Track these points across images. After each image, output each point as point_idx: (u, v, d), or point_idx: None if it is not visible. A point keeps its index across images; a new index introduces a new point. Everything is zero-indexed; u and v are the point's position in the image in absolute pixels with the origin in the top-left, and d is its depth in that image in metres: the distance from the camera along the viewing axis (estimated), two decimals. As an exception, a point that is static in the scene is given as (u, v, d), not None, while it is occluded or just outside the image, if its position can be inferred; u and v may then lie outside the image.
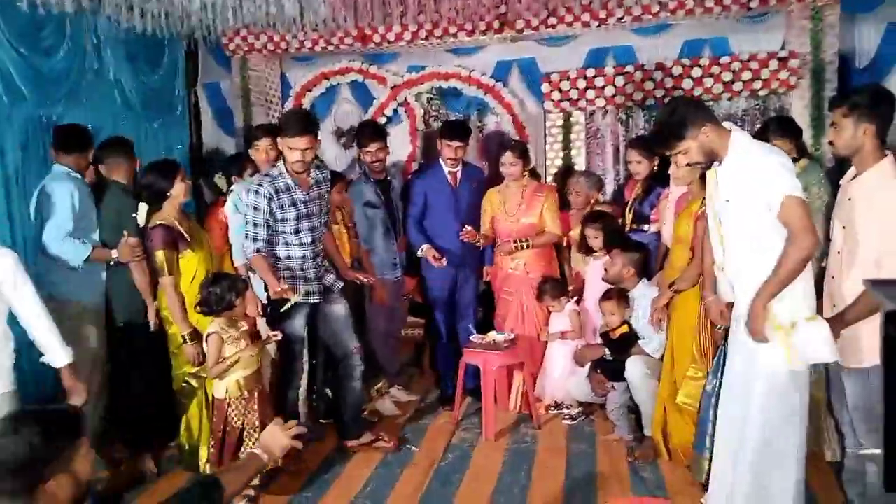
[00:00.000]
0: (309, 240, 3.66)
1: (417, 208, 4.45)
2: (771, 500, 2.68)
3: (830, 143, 2.77)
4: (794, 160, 3.02)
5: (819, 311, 2.69)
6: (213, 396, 3.44)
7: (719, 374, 3.15)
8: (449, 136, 4.38)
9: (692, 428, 3.30)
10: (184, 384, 3.63)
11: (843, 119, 2.64)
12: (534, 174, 4.75)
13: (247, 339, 3.37)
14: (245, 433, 3.31)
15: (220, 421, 3.31)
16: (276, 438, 2.08)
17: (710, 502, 2.95)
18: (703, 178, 3.26)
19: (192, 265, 3.57)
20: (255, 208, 3.54)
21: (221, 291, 3.29)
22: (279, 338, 3.53)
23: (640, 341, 3.76)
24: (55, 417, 1.67)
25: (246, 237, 3.60)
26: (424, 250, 4.33)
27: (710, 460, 3.15)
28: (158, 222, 3.50)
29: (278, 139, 3.62)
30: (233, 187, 4.12)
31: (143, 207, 3.59)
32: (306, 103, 5.94)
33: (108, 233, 3.62)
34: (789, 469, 2.65)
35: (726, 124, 2.71)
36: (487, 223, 4.45)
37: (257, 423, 3.30)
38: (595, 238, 4.11)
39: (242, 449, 3.29)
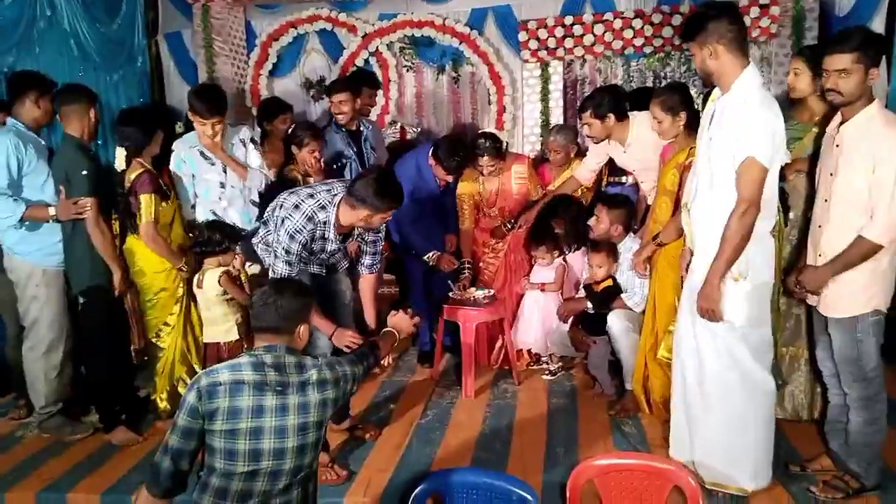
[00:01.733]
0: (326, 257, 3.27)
1: (409, 210, 3.94)
2: (730, 450, 2.74)
3: (829, 90, 2.59)
4: None
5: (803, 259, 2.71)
6: (204, 344, 3.56)
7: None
8: (446, 164, 4.00)
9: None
10: (157, 335, 3.59)
11: (855, 65, 2.50)
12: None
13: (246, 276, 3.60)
14: None
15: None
16: (404, 322, 2.78)
17: (672, 453, 2.99)
18: (689, 128, 3.21)
19: (168, 214, 3.52)
20: (287, 251, 3.02)
21: (221, 236, 3.46)
22: None
23: (622, 295, 3.71)
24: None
25: (276, 257, 3.06)
26: (434, 258, 4.18)
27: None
28: (143, 169, 3.41)
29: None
30: (173, 145, 3.86)
31: (120, 152, 3.44)
32: (272, 53, 5.72)
33: (59, 191, 3.39)
34: (744, 418, 2.71)
35: (753, 67, 2.56)
36: (468, 214, 4.31)
37: None
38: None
39: None
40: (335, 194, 3.03)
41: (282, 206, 3.07)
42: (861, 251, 2.52)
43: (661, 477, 2.64)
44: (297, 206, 3.00)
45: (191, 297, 3.62)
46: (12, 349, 3.74)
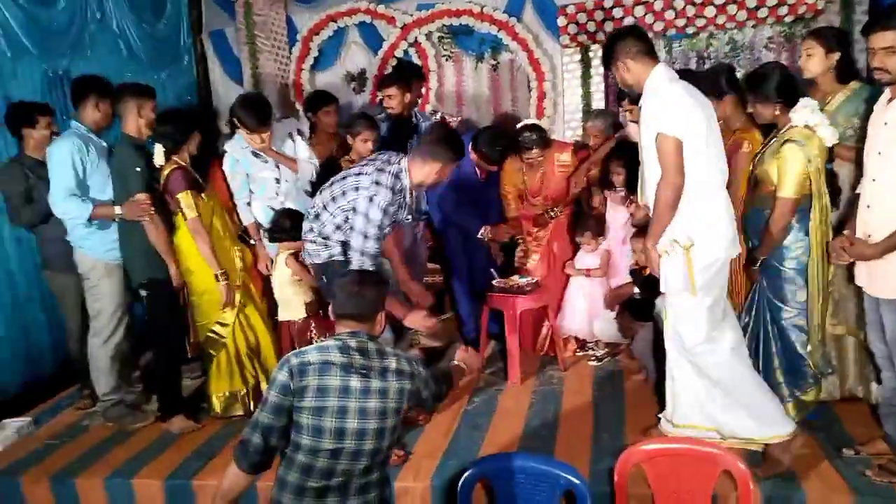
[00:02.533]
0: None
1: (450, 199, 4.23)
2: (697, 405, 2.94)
3: (876, 69, 2.56)
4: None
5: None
6: (286, 321, 3.72)
7: (752, 312, 3.11)
8: (488, 155, 4.05)
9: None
10: (210, 334, 3.65)
11: None
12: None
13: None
14: None
15: (303, 339, 3.58)
16: (473, 359, 2.77)
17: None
18: (740, 109, 3.18)
19: (207, 210, 3.57)
20: (380, 227, 3.13)
21: (291, 223, 3.59)
22: None
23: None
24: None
25: (362, 253, 3.13)
26: (488, 232, 4.26)
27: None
28: (175, 166, 3.48)
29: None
30: (225, 146, 3.99)
31: (159, 148, 3.52)
32: (314, 48, 5.79)
33: (117, 190, 3.52)
34: (709, 372, 2.87)
35: (662, 65, 2.84)
36: (513, 203, 4.32)
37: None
38: (618, 174, 4.00)
39: None
40: (396, 162, 3.19)
41: (356, 188, 3.12)
42: None
43: (710, 461, 2.64)
44: (377, 183, 3.09)
45: (249, 297, 3.73)
46: (75, 342, 3.92)
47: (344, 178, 3.25)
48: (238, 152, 3.91)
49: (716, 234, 2.78)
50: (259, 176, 3.93)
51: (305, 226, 3.38)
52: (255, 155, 3.89)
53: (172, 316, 3.68)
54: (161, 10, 5.42)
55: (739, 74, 4.86)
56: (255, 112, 3.74)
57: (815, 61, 3.11)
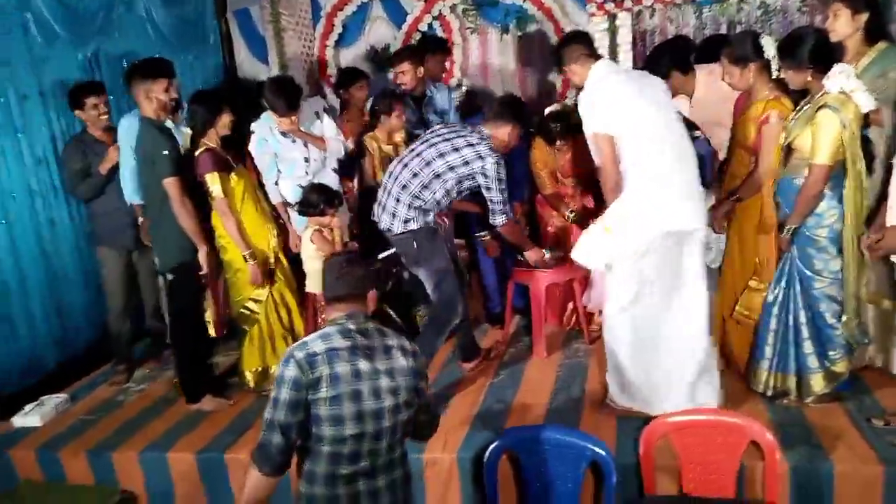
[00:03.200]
0: None
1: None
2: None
3: None
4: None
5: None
6: (312, 293, 3.80)
7: (782, 283, 3.06)
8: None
9: (750, 338, 3.24)
10: (244, 310, 3.70)
11: None
12: None
13: (341, 235, 3.79)
14: None
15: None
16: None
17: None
18: (764, 78, 3.10)
19: (238, 189, 3.59)
20: (500, 179, 3.43)
21: (318, 198, 3.65)
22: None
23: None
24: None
25: (504, 204, 3.48)
26: (484, 241, 4.28)
27: (769, 370, 3.12)
28: (204, 148, 3.50)
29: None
30: (252, 126, 3.99)
31: (186, 132, 3.57)
32: (338, 24, 5.76)
33: (147, 175, 3.51)
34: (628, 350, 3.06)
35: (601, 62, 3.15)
36: (548, 180, 4.20)
37: None
38: None
39: None
40: (475, 129, 3.50)
41: (480, 157, 3.38)
42: None
43: (737, 432, 2.63)
44: (491, 148, 3.41)
45: (285, 277, 3.79)
46: (117, 318, 4.07)
47: (447, 148, 3.43)
48: (266, 132, 3.92)
49: (646, 217, 2.91)
50: (288, 156, 3.95)
51: (389, 200, 3.49)
52: (284, 135, 3.91)
53: (197, 300, 3.72)
54: (186, -10, 5.44)
55: (773, 39, 4.76)
56: (285, 96, 3.73)
57: (841, 22, 3.04)
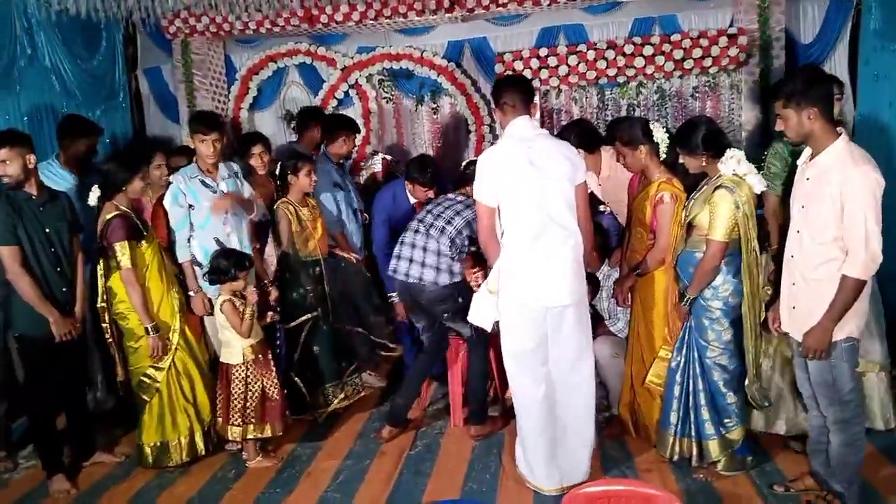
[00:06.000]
0: None
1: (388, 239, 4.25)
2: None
3: (782, 132, 2.79)
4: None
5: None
6: (225, 364, 3.60)
7: (683, 351, 3.22)
8: (422, 180, 4.14)
9: (660, 405, 3.36)
10: (144, 378, 3.53)
11: (785, 110, 2.68)
12: None
13: (252, 308, 3.57)
14: (266, 392, 3.60)
15: (240, 385, 3.54)
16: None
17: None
18: (664, 163, 3.33)
19: (147, 256, 3.49)
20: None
21: (228, 264, 3.54)
22: (277, 318, 3.91)
23: (606, 321, 3.78)
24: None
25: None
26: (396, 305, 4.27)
27: (675, 436, 3.24)
28: (115, 213, 3.38)
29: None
30: (171, 178, 3.83)
31: (95, 190, 3.46)
32: (253, 87, 5.77)
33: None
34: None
35: (520, 119, 3.10)
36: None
37: (276, 382, 3.63)
38: None
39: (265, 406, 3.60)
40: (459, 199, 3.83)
41: (468, 206, 3.69)
42: (850, 289, 2.56)
43: (651, 502, 2.69)
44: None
45: (188, 346, 3.64)
46: None
47: (446, 207, 3.78)
48: (184, 183, 3.73)
49: (518, 283, 3.03)
50: (205, 206, 3.77)
51: (428, 256, 3.67)
52: (204, 185, 3.77)
53: (47, 368, 3.44)
54: (96, 46, 5.30)
55: (667, 122, 5.13)
56: (206, 115, 3.90)
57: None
